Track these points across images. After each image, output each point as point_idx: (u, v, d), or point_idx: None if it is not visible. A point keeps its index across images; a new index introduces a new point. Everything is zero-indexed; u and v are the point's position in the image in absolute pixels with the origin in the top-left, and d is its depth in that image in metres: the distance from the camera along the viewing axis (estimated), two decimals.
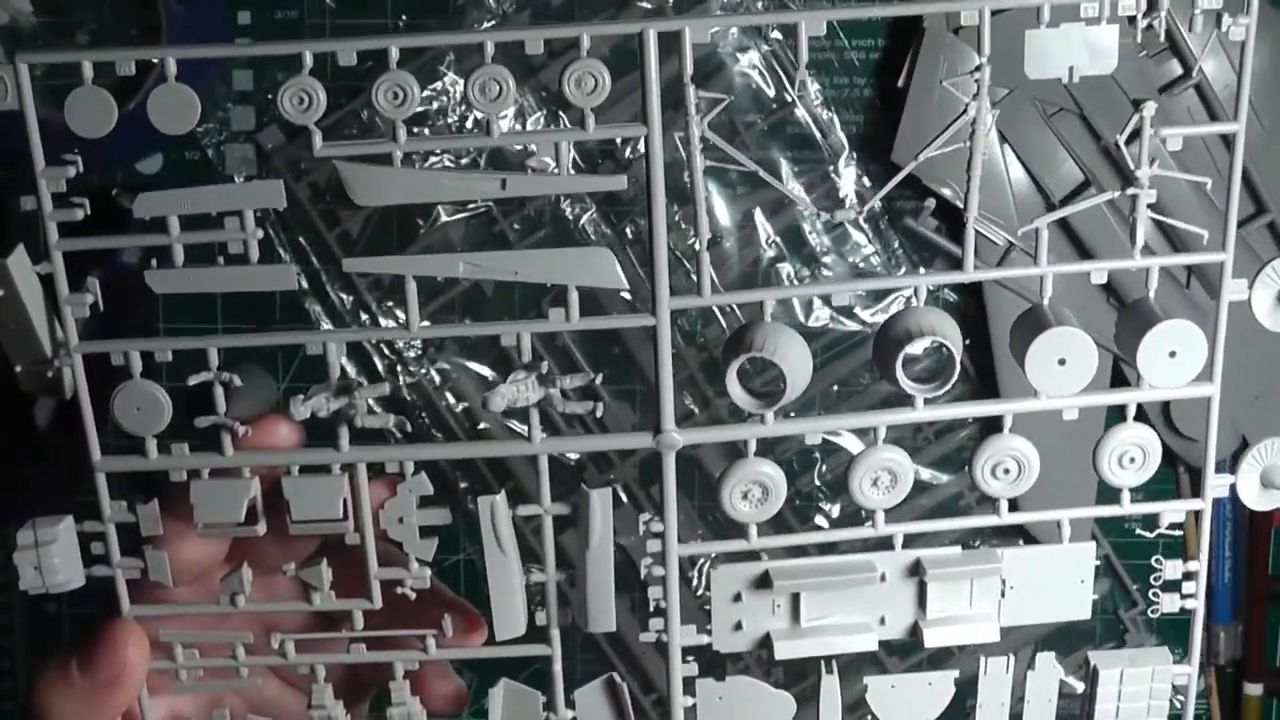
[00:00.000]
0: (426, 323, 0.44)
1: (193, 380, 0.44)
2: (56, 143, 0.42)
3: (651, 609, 0.47)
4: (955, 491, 0.79)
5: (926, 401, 0.45)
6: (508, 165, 0.70)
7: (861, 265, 0.79)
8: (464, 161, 0.73)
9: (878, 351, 0.45)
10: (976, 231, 0.60)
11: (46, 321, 0.44)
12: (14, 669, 0.84)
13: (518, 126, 0.74)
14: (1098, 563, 0.48)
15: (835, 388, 0.79)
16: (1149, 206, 0.44)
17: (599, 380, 0.44)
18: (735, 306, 0.76)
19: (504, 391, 0.44)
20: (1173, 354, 0.44)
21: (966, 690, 0.49)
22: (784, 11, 0.49)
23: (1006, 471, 0.46)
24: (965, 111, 0.43)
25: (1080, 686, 0.51)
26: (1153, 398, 0.45)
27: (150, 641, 0.47)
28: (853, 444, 0.77)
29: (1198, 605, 0.48)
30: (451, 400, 0.77)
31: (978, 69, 0.42)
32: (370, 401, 0.45)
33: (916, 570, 0.47)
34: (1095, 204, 0.45)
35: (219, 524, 0.45)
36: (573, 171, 0.43)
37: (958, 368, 0.44)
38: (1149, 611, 0.80)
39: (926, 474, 0.79)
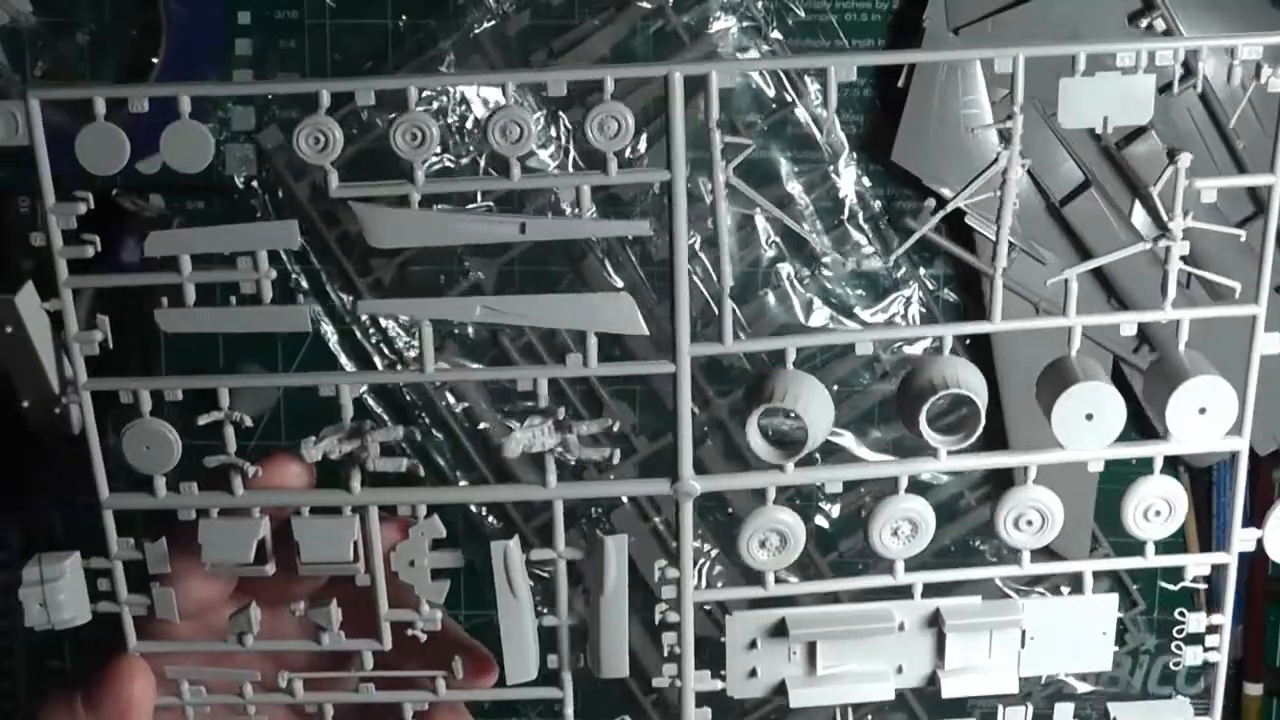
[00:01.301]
0: (444, 365, 0.44)
1: (203, 420, 0.44)
2: (56, 143, 0.42)
3: (666, 653, 0.47)
4: (956, 491, 0.80)
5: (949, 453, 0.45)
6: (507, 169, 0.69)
7: (861, 265, 0.79)
8: (464, 161, 0.74)
9: (901, 402, 0.45)
10: (976, 231, 0.60)
11: (55, 358, 0.44)
12: (15, 691, 0.84)
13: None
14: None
15: (835, 388, 0.79)
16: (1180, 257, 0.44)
17: (616, 428, 0.44)
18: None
19: (519, 437, 0.44)
20: (1203, 410, 0.44)
21: None
22: (813, 55, 0.49)
23: (1030, 523, 0.46)
24: (997, 160, 0.42)
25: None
26: (1180, 450, 0.45)
27: (157, 677, 0.47)
28: (850, 443, 0.77)
29: (1221, 660, 0.48)
30: (451, 400, 0.77)
31: (1009, 117, 0.42)
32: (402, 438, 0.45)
33: (935, 619, 0.47)
34: (1129, 253, 0.45)
35: (227, 563, 0.45)
36: (594, 213, 0.43)
37: (982, 421, 0.44)
38: (1171, 665, 0.80)
39: (927, 474, 0.79)
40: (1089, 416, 0.44)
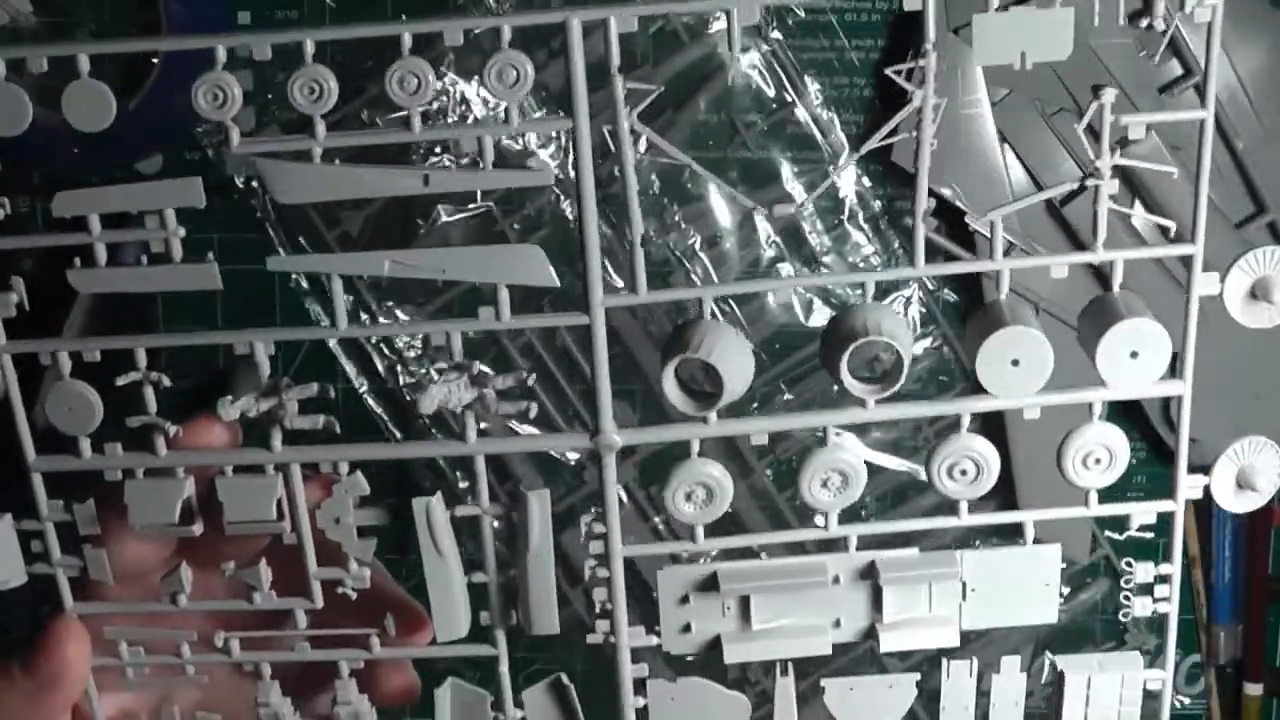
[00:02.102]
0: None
1: (121, 381, 0.45)
2: (57, 143, 0.42)
3: (598, 611, 0.47)
4: None
5: (879, 402, 0.44)
6: (507, 165, 0.70)
7: (861, 265, 0.79)
8: (464, 161, 0.72)
9: (825, 350, 0.44)
10: (975, 231, 0.59)
11: None
12: None
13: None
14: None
15: (835, 388, 0.78)
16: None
17: (532, 380, 0.43)
18: (733, 302, 0.76)
19: (434, 392, 0.44)
20: (1134, 354, 0.43)
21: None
22: None
23: (964, 473, 0.45)
24: (911, 100, 0.42)
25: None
26: (1115, 397, 0.44)
27: (96, 639, 0.48)
28: (854, 444, 0.76)
29: (1172, 610, 0.47)
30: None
31: (923, 54, 0.41)
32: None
33: (871, 573, 0.46)
34: (1052, 194, 0.44)
35: (154, 524, 0.46)
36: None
37: (906, 369, 0.43)
38: (1120, 615, 0.79)
39: (921, 475, 0.78)
40: (1015, 362, 0.43)
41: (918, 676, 0.48)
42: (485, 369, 0.44)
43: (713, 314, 0.44)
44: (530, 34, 0.76)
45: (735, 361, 0.43)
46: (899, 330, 0.43)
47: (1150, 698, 0.48)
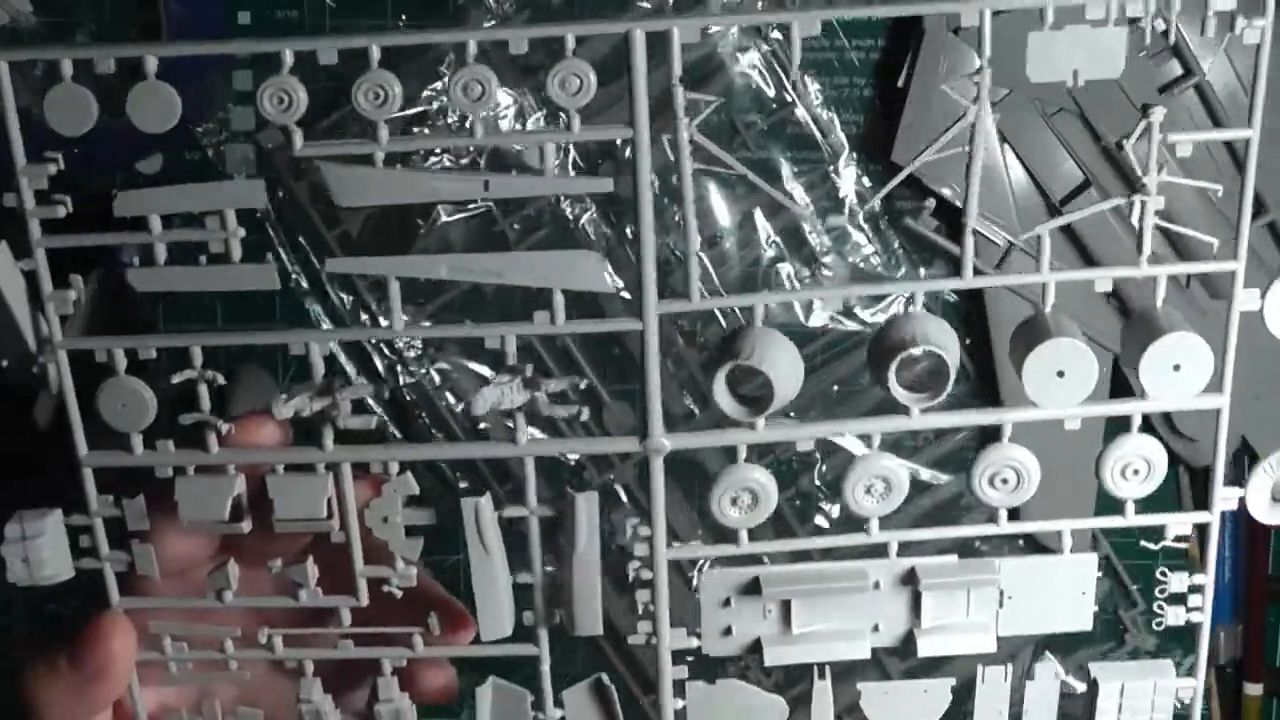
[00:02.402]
0: (417, 321, 0.45)
1: (176, 378, 0.45)
2: (56, 143, 0.43)
3: (640, 612, 0.48)
4: (956, 492, 0.80)
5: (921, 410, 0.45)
6: (507, 166, 0.72)
7: (862, 265, 0.79)
8: (464, 162, 0.74)
9: (872, 358, 0.45)
10: (976, 232, 0.60)
11: (31, 318, 0.45)
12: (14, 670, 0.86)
13: (518, 127, 0.75)
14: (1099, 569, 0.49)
15: (836, 388, 0.79)
16: (1156, 213, 0.44)
17: (584, 385, 0.44)
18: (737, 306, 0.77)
19: (487, 394, 0.45)
20: (1177, 367, 0.44)
21: (963, 694, 0.50)
22: (779, 11, 0.49)
23: (1005, 481, 0.46)
24: (965, 115, 0.43)
25: (1080, 686, 0.51)
26: (1158, 408, 0.45)
27: (141, 633, 0.49)
28: (854, 444, 0.77)
29: (1204, 620, 0.48)
30: (451, 400, 0.78)
31: (978, 72, 0.42)
32: (368, 399, 0.45)
33: (911, 579, 0.47)
34: (1100, 209, 0.45)
35: (204, 521, 0.46)
36: (572, 172, 0.43)
37: (952, 378, 0.44)
38: (1153, 624, 0.80)
39: (926, 474, 0.79)
40: (1060, 373, 0.44)
41: (953, 681, 0.49)
42: (539, 373, 0.45)
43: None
44: (477, 30, 0.77)
45: (785, 367, 0.44)
46: (946, 339, 0.44)
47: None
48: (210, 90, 0.79)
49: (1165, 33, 0.73)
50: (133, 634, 0.48)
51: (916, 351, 0.43)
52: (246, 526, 0.47)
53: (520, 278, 0.44)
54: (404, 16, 0.79)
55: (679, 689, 0.49)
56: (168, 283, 0.44)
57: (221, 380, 0.45)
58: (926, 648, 0.48)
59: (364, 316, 0.76)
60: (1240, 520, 0.81)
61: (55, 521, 0.47)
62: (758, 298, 0.45)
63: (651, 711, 0.69)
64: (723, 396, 0.44)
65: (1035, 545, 0.68)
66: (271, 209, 0.78)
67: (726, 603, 0.48)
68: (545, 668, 0.49)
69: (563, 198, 0.77)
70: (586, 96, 0.42)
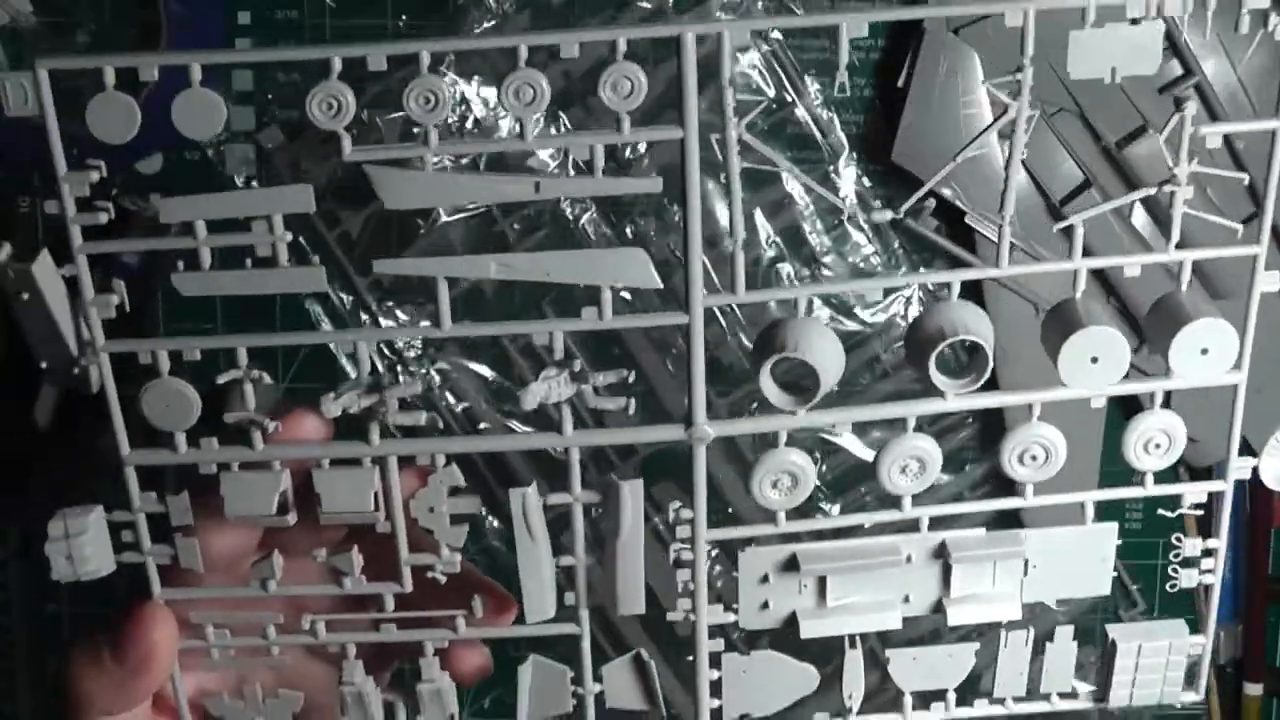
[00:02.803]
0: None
1: (222, 379, 0.45)
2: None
3: (680, 590, 0.49)
4: (955, 492, 0.82)
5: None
6: (505, 167, 0.71)
7: (861, 265, 0.80)
8: (464, 162, 0.73)
9: (911, 346, 0.46)
10: (976, 231, 0.61)
11: (72, 322, 0.45)
12: (14, 669, 0.87)
13: (517, 126, 0.73)
14: None
15: (836, 388, 0.80)
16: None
17: (631, 378, 0.46)
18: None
19: (535, 389, 0.46)
20: (1204, 351, 0.46)
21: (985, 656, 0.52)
22: (826, 14, 0.50)
23: (1034, 458, 0.48)
24: (1006, 112, 0.44)
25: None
26: (1180, 386, 0.47)
27: (180, 621, 0.49)
28: (852, 444, 0.79)
29: (1215, 581, 0.50)
30: (452, 400, 0.78)
31: (1019, 69, 0.43)
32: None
33: (941, 552, 0.49)
34: (1135, 199, 0.46)
35: (250, 516, 0.47)
36: (572, 172, 0.44)
37: (990, 364, 0.46)
38: (1168, 586, 0.83)
39: None
40: (1094, 359, 0.45)
41: (976, 646, 0.51)
42: (586, 366, 0.46)
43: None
44: (530, 32, 0.78)
45: (829, 355, 0.45)
46: (983, 327, 0.45)
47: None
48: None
49: (1166, 32, 0.76)
50: (174, 625, 0.49)
51: (958, 340, 0.45)
52: (292, 519, 0.47)
53: (569, 276, 0.45)
54: (404, 16, 0.80)
55: (714, 661, 0.50)
56: (214, 287, 0.44)
57: (268, 379, 0.46)
58: (956, 617, 0.50)
59: (364, 317, 0.76)
60: (1241, 520, 0.83)
61: (97, 518, 0.48)
62: (800, 290, 0.46)
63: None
64: (769, 388, 0.46)
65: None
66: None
67: (765, 579, 0.49)
68: (586, 644, 0.50)
69: (562, 198, 0.77)
70: (638, 99, 0.42)
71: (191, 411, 0.46)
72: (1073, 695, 0.52)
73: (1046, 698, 0.52)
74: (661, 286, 0.45)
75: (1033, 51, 0.43)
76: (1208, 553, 0.50)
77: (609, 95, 0.42)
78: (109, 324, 0.45)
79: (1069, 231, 0.46)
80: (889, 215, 0.45)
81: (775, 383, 0.46)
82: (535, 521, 0.48)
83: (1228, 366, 0.46)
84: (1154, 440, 0.48)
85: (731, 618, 0.50)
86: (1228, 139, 0.73)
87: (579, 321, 0.45)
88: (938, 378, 0.46)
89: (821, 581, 0.49)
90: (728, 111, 0.43)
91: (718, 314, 0.79)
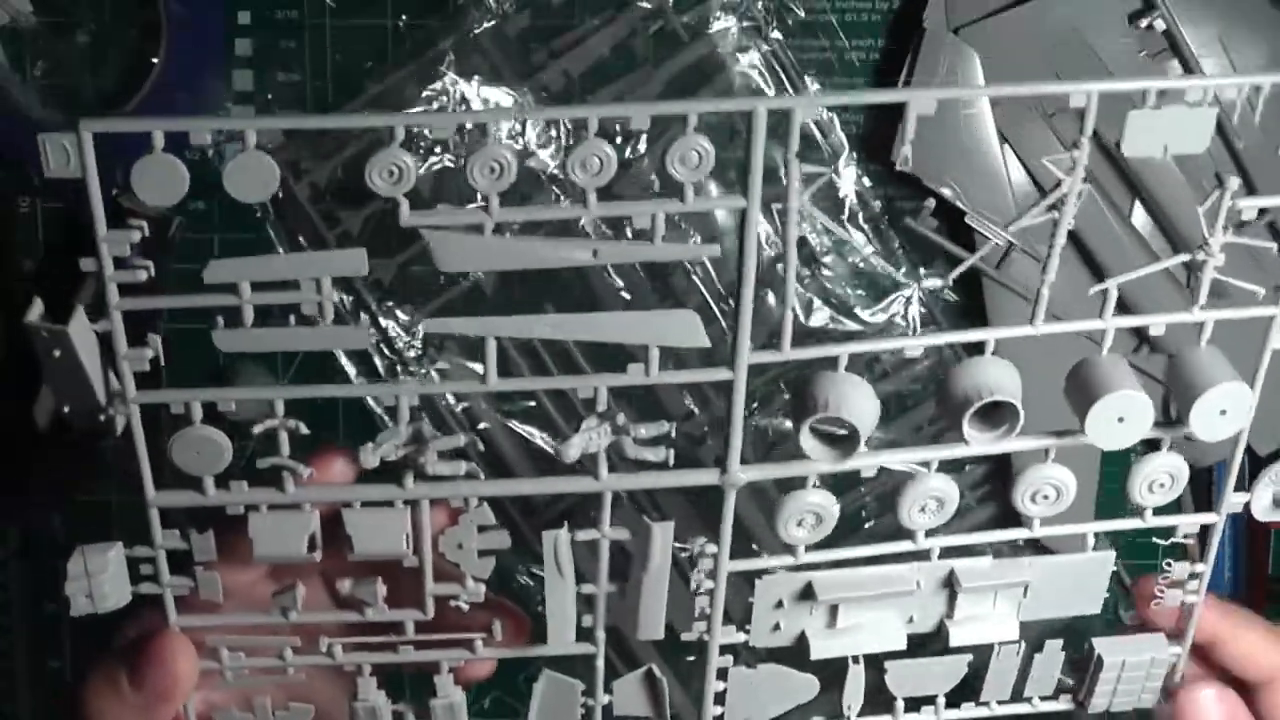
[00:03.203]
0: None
1: (259, 429, 0.45)
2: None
3: (697, 614, 0.51)
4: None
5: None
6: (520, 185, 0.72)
7: (861, 265, 0.80)
8: (464, 161, 0.71)
9: (944, 406, 0.47)
10: (976, 231, 0.62)
11: (101, 374, 0.44)
12: (14, 669, 0.86)
13: (517, 126, 0.76)
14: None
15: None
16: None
17: (671, 431, 0.46)
18: (732, 300, 0.79)
19: (576, 442, 0.46)
20: (1223, 412, 0.48)
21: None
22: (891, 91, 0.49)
23: (1045, 498, 0.50)
24: (1059, 186, 0.44)
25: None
26: (1184, 433, 0.49)
27: (198, 646, 0.49)
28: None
29: (1198, 600, 0.53)
30: (451, 400, 0.77)
31: (1076, 145, 0.44)
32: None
33: (949, 580, 0.51)
34: (1172, 263, 0.48)
35: (278, 557, 0.47)
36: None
37: (1021, 419, 0.47)
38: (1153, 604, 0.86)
39: None
40: (1120, 419, 0.47)
41: (969, 656, 0.54)
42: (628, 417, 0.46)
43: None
44: (529, 34, 0.78)
45: (866, 412, 0.46)
46: (1014, 385, 0.47)
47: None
48: (210, 90, 0.79)
49: (1166, 32, 0.76)
50: (194, 654, 0.49)
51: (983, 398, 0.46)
52: (318, 557, 0.47)
53: (618, 335, 0.45)
54: (404, 16, 0.79)
55: (722, 674, 0.52)
56: (256, 344, 0.43)
57: (305, 429, 0.45)
58: (958, 637, 0.52)
59: (364, 316, 0.76)
60: (1241, 521, 0.83)
61: (117, 555, 0.47)
62: (842, 348, 0.46)
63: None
64: (809, 445, 0.46)
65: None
66: (271, 209, 0.78)
67: (779, 604, 0.51)
68: (600, 663, 0.52)
69: (562, 196, 0.77)
70: (706, 169, 0.42)
71: (223, 458, 0.45)
72: (1054, 698, 0.55)
73: (1029, 700, 0.55)
74: (709, 345, 0.45)
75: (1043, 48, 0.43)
76: (1194, 575, 0.53)
77: (678, 169, 0.42)
78: None
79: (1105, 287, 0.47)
80: (939, 283, 0.45)
81: (813, 435, 0.47)
82: (565, 562, 0.48)
83: (1243, 425, 0.48)
84: (1159, 480, 0.50)
85: (743, 638, 0.52)
86: (1228, 141, 0.76)
87: (624, 376, 0.45)
88: (975, 436, 0.47)
89: (833, 608, 0.51)
90: (793, 184, 0.43)
91: (717, 315, 0.79)
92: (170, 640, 0.49)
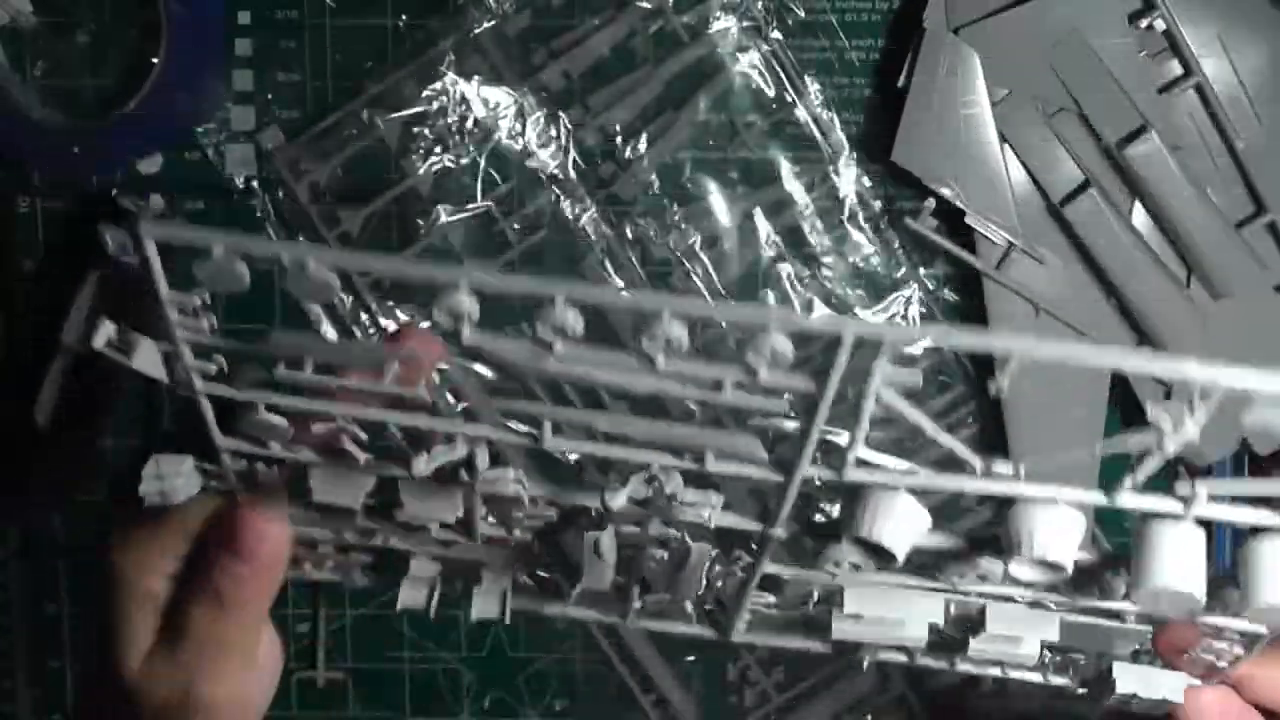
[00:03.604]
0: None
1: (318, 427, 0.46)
2: (55, 141, 0.40)
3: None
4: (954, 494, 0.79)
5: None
6: (508, 165, 0.79)
7: (861, 265, 0.81)
8: (464, 161, 0.79)
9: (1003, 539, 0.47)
10: (976, 231, 0.57)
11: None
12: (14, 669, 0.87)
13: (517, 126, 0.79)
14: None
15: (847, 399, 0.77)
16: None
17: (719, 503, 0.47)
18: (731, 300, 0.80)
19: (622, 495, 0.47)
20: None
21: None
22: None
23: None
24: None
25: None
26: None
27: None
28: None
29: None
30: (451, 401, 0.78)
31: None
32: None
33: (979, 614, 0.53)
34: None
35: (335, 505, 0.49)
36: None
37: (1069, 572, 0.46)
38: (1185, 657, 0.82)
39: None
40: None
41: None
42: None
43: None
44: (529, 34, 0.80)
45: (908, 530, 0.47)
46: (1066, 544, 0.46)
47: None
48: (210, 90, 0.80)
49: (1166, 32, 0.74)
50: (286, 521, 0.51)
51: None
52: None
53: (680, 443, 0.45)
54: (404, 16, 0.80)
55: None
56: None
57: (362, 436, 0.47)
58: (976, 649, 0.54)
59: (364, 316, 0.80)
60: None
61: (189, 465, 0.50)
62: (895, 477, 0.46)
63: (652, 711, 0.74)
64: (858, 559, 0.47)
65: None
66: (271, 209, 0.80)
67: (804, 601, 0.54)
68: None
69: (563, 198, 0.79)
70: (784, 365, 0.40)
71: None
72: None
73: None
74: (766, 460, 0.45)
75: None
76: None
77: (765, 376, 0.40)
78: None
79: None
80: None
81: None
82: (606, 545, 0.50)
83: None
84: None
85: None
86: (1228, 141, 0.76)
87: (680, 463, 0.45)
88: (1017, 573, 0.47)
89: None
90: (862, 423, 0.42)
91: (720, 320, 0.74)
92: (271, 525, 0.50)
